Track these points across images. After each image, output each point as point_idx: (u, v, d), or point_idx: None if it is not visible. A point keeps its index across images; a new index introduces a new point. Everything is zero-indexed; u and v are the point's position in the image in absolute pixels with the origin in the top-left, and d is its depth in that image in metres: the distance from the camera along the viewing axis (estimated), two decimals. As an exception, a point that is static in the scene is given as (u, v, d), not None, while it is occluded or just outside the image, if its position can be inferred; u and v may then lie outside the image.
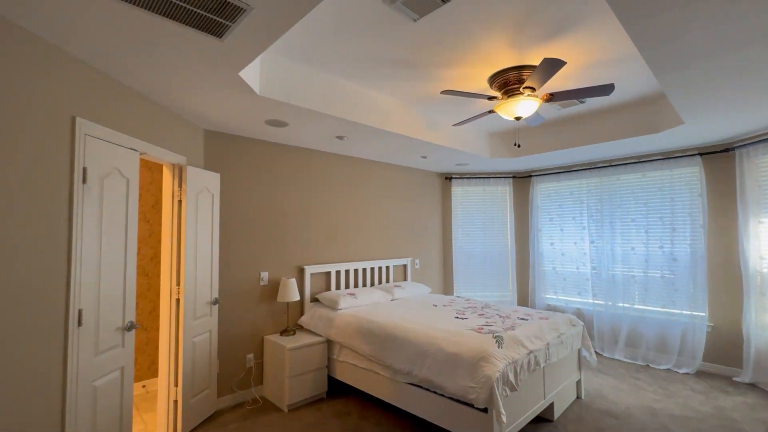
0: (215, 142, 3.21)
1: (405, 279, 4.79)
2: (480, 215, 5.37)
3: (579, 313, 4.76)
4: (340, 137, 3.43)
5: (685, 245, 4.00)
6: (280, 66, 2.51)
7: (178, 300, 2.71)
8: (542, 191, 5.20)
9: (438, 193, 5.37)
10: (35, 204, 1.69)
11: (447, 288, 5.36)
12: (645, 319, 4.21)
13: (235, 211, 3.30)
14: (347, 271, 4.11)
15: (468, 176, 5.39)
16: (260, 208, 3.47)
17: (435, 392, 2.49)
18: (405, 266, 4.82)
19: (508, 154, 4.46)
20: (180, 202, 2.75)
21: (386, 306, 3.60)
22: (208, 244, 2.99)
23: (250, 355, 3.33)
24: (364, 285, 4.28)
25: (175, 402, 2.66)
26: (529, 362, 2.52)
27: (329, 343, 3.38)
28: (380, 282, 4.47)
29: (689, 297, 3.95)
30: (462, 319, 3.10)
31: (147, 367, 3.52)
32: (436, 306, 3.64)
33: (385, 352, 2.82)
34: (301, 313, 3.70)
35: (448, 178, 5.41)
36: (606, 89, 2.62)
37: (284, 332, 3.42)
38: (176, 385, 2.67)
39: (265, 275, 3.46)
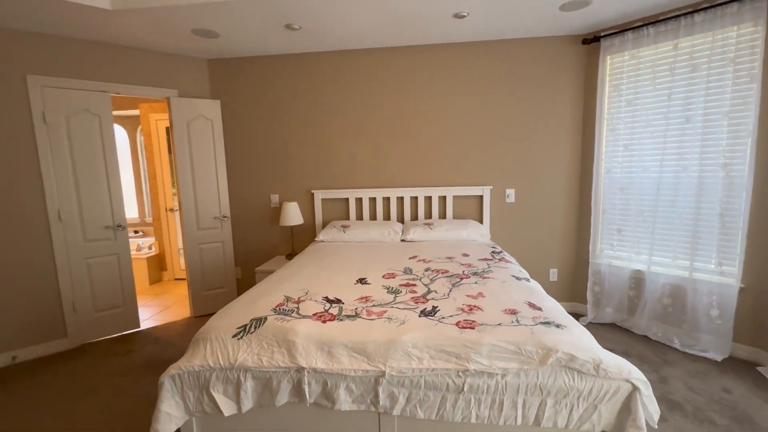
0: (218, 70, 3.35)
1: (481, 218, 3.25)
2: (662, 104, 2.59)
3: None
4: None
5: None
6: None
7: (173, 210, 3.30)
8: None
9: (569, 75, 3.01)
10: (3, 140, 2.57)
11: (581, 243, 3.14)
12: None
13: (241, 135, 3.41)
14: (373, 200, 3.33)
15: (639, 23, 2.63)
16: (266, 131, 3.38)
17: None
18: (481, 198, 3.24)
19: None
20: (168, 129, 3.20)
21: (360, 248, 2.71)
22: (210, 166, 3.33)
23: (267, 271, 3.58)
24: (400, 221, 3.32)
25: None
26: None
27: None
28: (428, 217, 3.29)
29: None
30: (364, 283, 1.90)
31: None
32: (414, 258, 2.36)
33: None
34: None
35: (591, 39, 2.86)
36: None
37: (289, 256, 3.38)
38: (186, 278, 3.38)
39: (275, 198, 3.46)
